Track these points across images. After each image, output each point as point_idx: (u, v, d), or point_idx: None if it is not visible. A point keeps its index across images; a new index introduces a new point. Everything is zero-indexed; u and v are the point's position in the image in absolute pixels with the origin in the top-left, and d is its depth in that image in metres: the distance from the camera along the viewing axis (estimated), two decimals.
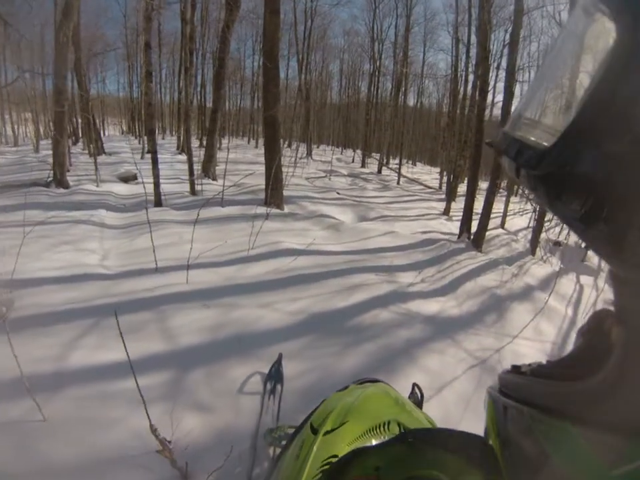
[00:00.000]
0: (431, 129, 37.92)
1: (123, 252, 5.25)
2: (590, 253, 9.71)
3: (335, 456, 0.99)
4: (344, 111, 37.64)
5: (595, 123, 0.33)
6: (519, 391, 0.49)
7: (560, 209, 0.37)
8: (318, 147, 32.98)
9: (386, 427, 1.11)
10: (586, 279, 7.66)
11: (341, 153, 30.77)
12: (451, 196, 12.82)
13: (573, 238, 10.65)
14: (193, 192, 9.45)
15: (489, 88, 13.21)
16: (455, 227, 10.13)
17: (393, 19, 25.00)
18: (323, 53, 32.57)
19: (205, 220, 6.49)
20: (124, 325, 2.10)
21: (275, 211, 7.66)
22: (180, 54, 15.75)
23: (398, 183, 18.15)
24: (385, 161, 23.80)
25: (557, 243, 11.47)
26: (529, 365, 0.51)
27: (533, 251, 10.36)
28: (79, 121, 17.06)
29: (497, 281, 5.66)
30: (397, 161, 29.59)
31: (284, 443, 1.66)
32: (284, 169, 10.26)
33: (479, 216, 8.41)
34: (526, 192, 11.68)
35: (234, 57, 30.35)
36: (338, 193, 11.96)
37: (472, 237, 8.53)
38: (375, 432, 1.10)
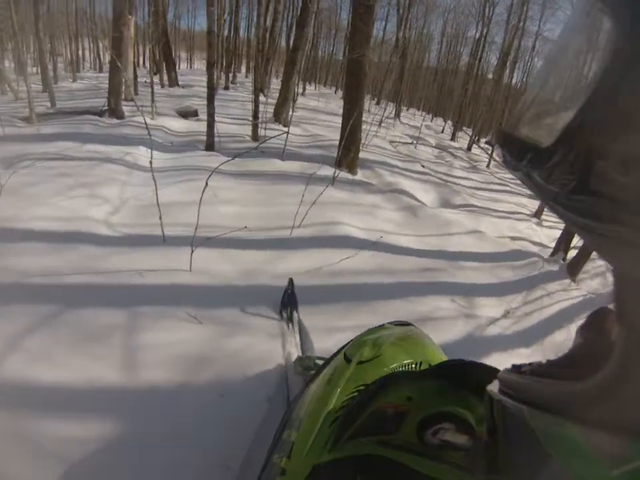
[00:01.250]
0: None
1: (140, 205, 4.31)
2: None
3: (367, 385, 1.03)
4: (440, 77, 35.15)
5: (595, 122, 0.33)
6: (518, 391, 0.48)
7: (560, 207, 0.37)
8: (408, 110, 31.11)
9: (418, 365, 1.14)
10: None
11: (431, 121, 28.92)
12: None
13: None
14: (255, 137, 8.22)
15: None
16: (545, 235, 9.06)
17: None
18: (425, 9, 29.96)
19: (255, 175, 5.47)
20: (86, 325, 2.11)
21: (344, 175, 6.37)
22: None
23: (488, 166, 16.46)
24: (476, 137, 21.82)
25: None
26: (529, 364, 0.50)
27: None
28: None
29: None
30: (488, 139, 27.83)
31: (312, 372, 1.66)
32: (367, 128, 9.04)
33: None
34: None
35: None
36: (422, 166, 10.44)
37: (567, 258, 6.94)
38: (408, 368, 1.14)
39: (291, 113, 8.25)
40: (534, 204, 11.27)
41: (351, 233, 4.34)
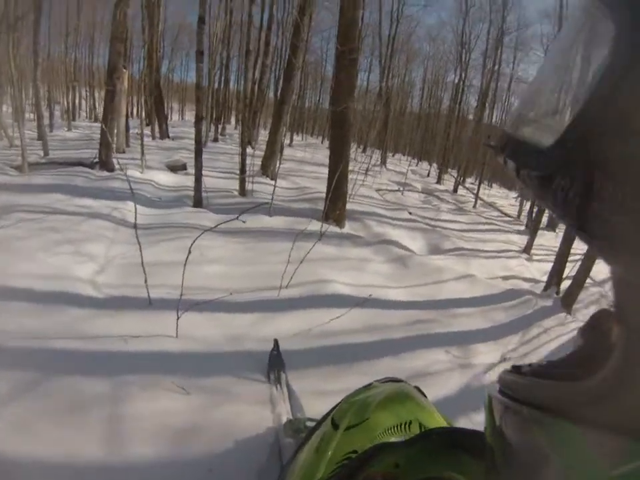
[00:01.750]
0: None
1: (126, 264, 4.25)
2: None
3: (355, 451, 1.01)
4: (423, 122, 36.04)
5: (595, 122, 0.33)
6: (518, 391, 0.47)
7: (559, 209, 0.37)
8: (393, 156, 31.61)
9: (407, 426, 1.12)
10: None
11: (417, 165, 29.40)
12: (533, 232, 11.19)
13: None
14: (243, 192, 8.28)
15: None
16: (536, 269, 8.97)
17: (485, 25, 23.25)
18: (406, 58, 31.18)
19: (242, 232, 5.39)
20: (68, 394, 2.01)
21: (332, 229, 6.40)
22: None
23: (474, 207, 16.65)
24: (461, 179, 22.23)
25: None
26: (529, 364, 0.49)
27: None
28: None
29: None
30: (472, 179, 28.36)
31: (302, 435, 1.65)
32: (353, 177, 9.13)
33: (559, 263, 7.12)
34: None
35: (314, 51, 29.45)
36: (410, 213, 10.55)
37: (560, 291, 6.97)
38: (397, 430, 1.11)
39: (278, 165, 8.37)
40: (523, 240, 11.39)
41: (340, 291, 4.31)
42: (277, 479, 1.42)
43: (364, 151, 21.96)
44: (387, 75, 22.56)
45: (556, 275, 7.14)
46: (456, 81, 24.83)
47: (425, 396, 1.73)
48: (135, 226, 3.53)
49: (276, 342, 2.99)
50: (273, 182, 9.58)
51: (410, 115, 38.98)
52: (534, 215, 14.04)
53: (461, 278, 5.87)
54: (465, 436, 0.87)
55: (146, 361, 2.75)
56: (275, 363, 2.83)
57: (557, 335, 4.88)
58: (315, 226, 5.76)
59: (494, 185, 33.15)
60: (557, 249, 12.85)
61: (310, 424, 1.93)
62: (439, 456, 0.87)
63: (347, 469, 0.90)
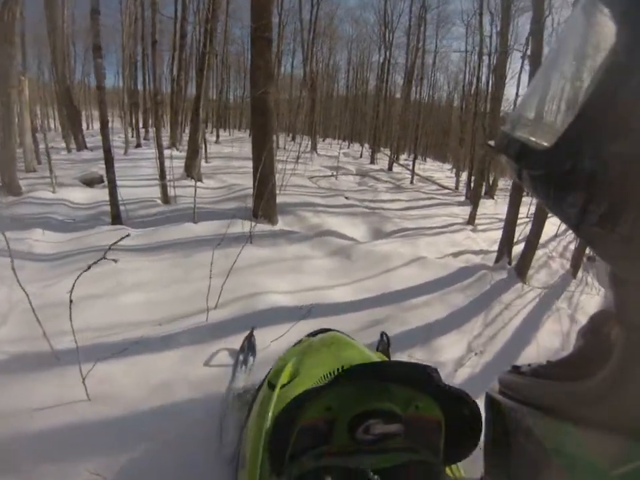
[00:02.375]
0: (441, 124, 36.46)
1: (30, 309, 3.43)
2: None
3: None
4: (351, 103, 35.76)
5: (595, 122, 0.33)
6: (519, 392, 0.48)
7: (560, 208, 0.37)
8: (324, 141, 31.20)
9: (339, 372, 1.10)
10: None
11: (348, 147, 28.94)
12: (475, 203, 11.06)
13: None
14: (166, 199, 7.45)
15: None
16: (483, 240, 9.00)
17: (407, 2, 22.79)
18: (329, 42, 31.04)
19: (166, 246, 4.82)
20: None
21: (263, 227, 5.81)
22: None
23: (411, 182, 16.46)
24: (395, 156, 22.13)
25: (592, 258, 9.80)
26: (529, 365, 0.51)
27: (574, 272, 8.94)
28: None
29: (558, 334, 4.35)
30: (406, 156, 28.44)
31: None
32: (284, 167, 8.68)
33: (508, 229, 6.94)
34: None
35: (235, 41, 28.44)
36: (346, 198, 10.02)
37: (512, 260, 6.83)
38: (328, 378, 1.16)
39: (210, 164, 7.56)
40: (465, 211, 11.50)
41: (278, 303, 3.72)
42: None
43: (293, 138, 21.38)
44: (311, 60, 21.86)
45: (506, 244, 6.95)
46: (381, 60, 24.51)
47: (389, 342, 1.96)
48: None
49: (252, 330, 2.93)
50: (198, 183, 8.91)
51: (337, 98, 38.89)
52: (472, 185, 14.04)
53: (410, 262, 5.48)
54: (389, 367, 1.11)
55: (54, 443, 2.12)
56: (247, 348, 2.77)
57: (518, 308, 4.72)
58: (244, 226, 5.18)
59: (428, 160, 33.39)
60: (498, 216, 13.11)
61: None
62: (368, 390, 1.03)
63: (277, 422, 0.97)
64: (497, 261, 6.86)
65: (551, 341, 4.14)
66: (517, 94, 18.32)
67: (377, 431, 0.96)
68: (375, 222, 8.15)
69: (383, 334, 2.21)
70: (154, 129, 10.38)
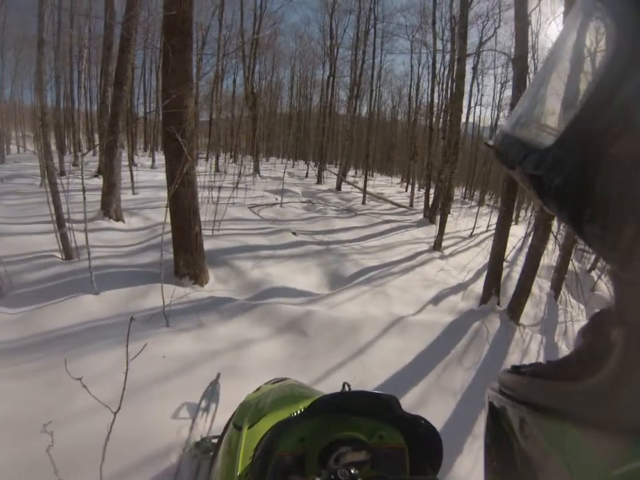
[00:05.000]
0: (386, 138, 36.88)
1: None
2: (598, 280, 11.21)
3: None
4: (295, 120, 35.36)
5: (595, 123, 0.33)
6: (518, 391, 0.47)
7: (560, 208, 0.37)
8: (267, 160, 30.05)
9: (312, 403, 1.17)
10: None
11: (293, 166, 27.92)
12: (441, 227, 10.17)
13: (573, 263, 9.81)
14: (68, 253, 5.36)
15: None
16: (453, 267, 8.53)
17: (353, 17, 22.55)
18: (273, 59, 30.65)
19: (48, 340, 3.30)
20: None
21: (188, 290, 4.25)
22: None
23: (363, 203, 15.41)
24: (342, 174, 21.07)
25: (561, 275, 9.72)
26: (529, 365, 0.48)
27: (556, 295, 8.88)
28: None
29: None
30: (353, 172, 27.79)
31: (211, 454, 1.71)
32: (218, 195, 7.43)
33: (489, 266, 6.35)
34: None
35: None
36: (294, 234, 8.36)
37: (500, 299, 6.11)
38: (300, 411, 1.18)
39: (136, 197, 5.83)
40: (427, 232, 11.28)
41: None
42: None
43: (235, 160, 19.82)
44: (252, 77, 21.00)
45: (494, 282, 6.26)
46: (326, 75, 24.14)
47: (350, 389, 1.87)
48: None
49: (218, 376, 2.81)
50: (118, 224, 7.19)
51: (281, 116, 38.30)
52: (430, 203, 13.47)
53: (387, 329, 4.23)
54: (354, 397, 1.15)
55: None
56: (210, 395, 2.63)
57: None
58: (163, 295, 3.64)
59: (374, 174, 32.93)
60: (459, 234, 12.45)
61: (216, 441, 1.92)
62: (335, 421, 1.09)
63: (257, 458, 0.98)
64: (483, 300, 6.14)
65: None
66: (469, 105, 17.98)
67: (347, 460, 0.99)
68: (330, 263, 6.74)
69: (345, 384, 1.92)
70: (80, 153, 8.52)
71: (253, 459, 1.00)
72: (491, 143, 0.49)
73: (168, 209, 4.54)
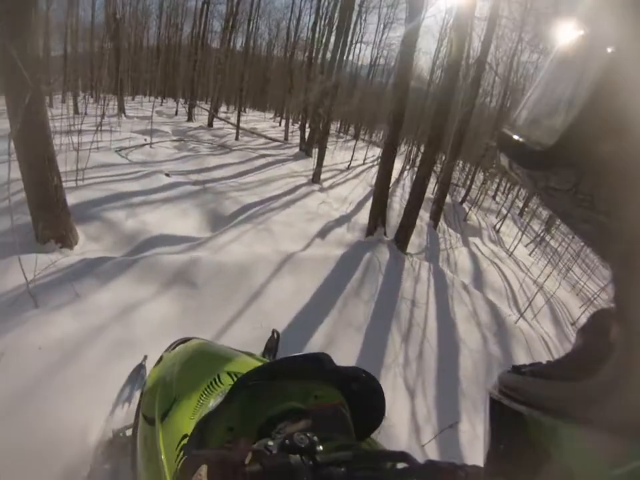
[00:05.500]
0: (261, 72, 36.33)
1: None
2: (470, 212, 11.82)
3: (186, 435, 1.00)
4: (163, 54, 33.04)
5: (594, 123, 0.34)
6: (518, 391, 0.46)
7: (559, 207, 0.38)
8: (133, 99, 27.79)
9: (217, 382, 1.14)
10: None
11: (162, 104, 26.13)
12: (320, 158, 10.30)
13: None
14: None
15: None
16: (334, 199, 8.94)
17: None
18: None
19: None
20: None
21: (55, 259, 3.57)
22: None
23: (237, 138, 15.16)
24: (214, 111, 20.38)
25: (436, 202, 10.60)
26: (529, 365, 0.49)
27: (435, 225, 9.56)
28: None
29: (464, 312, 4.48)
30: (225, 109, 26.88)
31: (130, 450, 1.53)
32: (78, 140, 6.58)
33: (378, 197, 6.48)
34: None
35: None
36: (167, 175, 7.75)
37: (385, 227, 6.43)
38: (209, 391, 1.13)
39: None
40: (304, 165, 11.48)
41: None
42: None
43: (96, 100, 18.18)
44: (115, 4, 18.90)
45: (379, 213, 6.42)
46: (199, 3, 22.80)
47: (279, 337, 1.96)
48: None
49: (145, 358, 2.43)
50: None
51: (148, 49, 35.66)
52: (307, 135, 13.50)
53: (278, 269, 4.13)
54: (278, 365, 1.02)
55: None
56: (136, 378, 2.30)
57: (422, 291, 4.67)
58: (21, 272, 3.04)
59: (247, 110, 32.27)
60: (337, 167, 12.66)
61: (128, 432, 1.85)
62: (261, 397, 0.98)
63: (188, 461, 0.86)
64: (369, 232, 6.41)
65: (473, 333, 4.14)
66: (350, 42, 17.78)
67: (288, 430, 0.89)
68: (208, 203, 6.44)
69: (274, 331, 1.97)
70: None
71: (182, 464, 0.91)
72: (493, 143, 0.45)
73: (15, 159, 3.73)
